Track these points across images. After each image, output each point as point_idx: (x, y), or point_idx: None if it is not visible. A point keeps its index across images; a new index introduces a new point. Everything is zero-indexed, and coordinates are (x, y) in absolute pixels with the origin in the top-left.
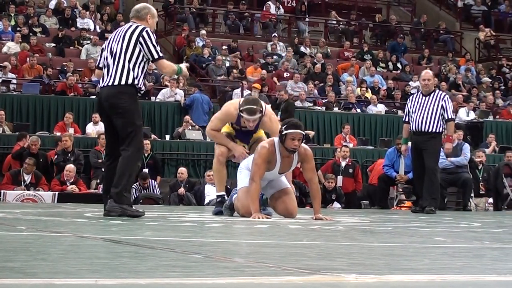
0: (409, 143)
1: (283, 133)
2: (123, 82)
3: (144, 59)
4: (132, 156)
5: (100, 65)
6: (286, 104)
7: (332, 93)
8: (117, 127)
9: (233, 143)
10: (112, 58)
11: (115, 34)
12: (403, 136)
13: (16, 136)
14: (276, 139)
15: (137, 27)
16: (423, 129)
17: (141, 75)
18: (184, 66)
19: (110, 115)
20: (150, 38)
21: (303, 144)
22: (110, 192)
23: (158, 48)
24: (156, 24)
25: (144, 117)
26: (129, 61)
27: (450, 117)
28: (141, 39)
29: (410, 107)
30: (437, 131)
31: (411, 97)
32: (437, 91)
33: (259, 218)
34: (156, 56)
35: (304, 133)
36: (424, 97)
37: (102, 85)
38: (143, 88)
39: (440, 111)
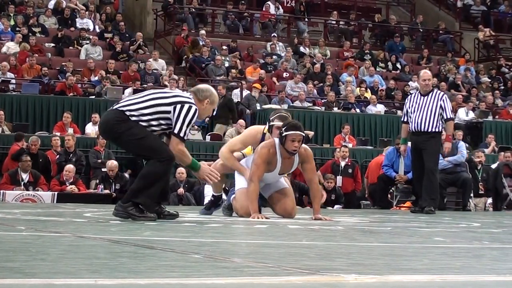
0: (409, 143)
1: (282, 134)
2: (130, 112)
3: (164, 122)
4: (160, 165)
5: None
6: (225, 100)
7: (332, 93)
8: (136, 152)
9: (244, 168)
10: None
11: (168, 90)
12: (401, 136)
13: (15, 136)
14: (276, 140)
15: (187, 99)
16: (422, 129)
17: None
18: (204, 164)
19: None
20: (187, 114)
21: (303, 145)
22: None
23: (186, 130)
24: (211, 109)
25: None
26: (160, 114)
27: (449, 116)
28: (179, 106)
29: (409, 107)
30: (437, 130)
31: (409, 97)
32: (435, 90)
33: (258, 218)
34: (176, 131)
35: (304, 134)
36: (422, 97)
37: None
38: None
39: (439, 110)
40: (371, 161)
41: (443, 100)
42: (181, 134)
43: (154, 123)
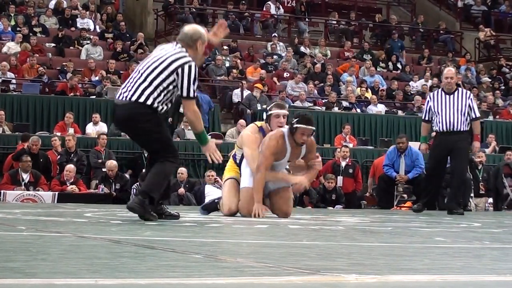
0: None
1: (294, 125)
2: (147, 101)
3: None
4: (171, 165)
5: None
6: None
7: (334, 94)
8: (149, 146)
9: (285, 174)
10: (137, 74)
11: (157, 54)
12: (422, 135)
13: (16, 136)
14: (285, 130)
15: (181, 58)
16: (454, 129)
17: (163, 99)
18: (212, 142)
19: (128, 131)
20: (189, 74)
21: None
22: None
23: (194, 88)
24: (203, 48)
25: None
26: (167, 85)
27: (477, 115)
28: (179, 70)
29: (434, 106)
30: (466, 130)
31: (431, 95)
32: (460, 89)
33: (259, 210)
34: (185, 94)
35: (314, 129)
36: (447, 96)
37: (117, 100)
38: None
39: (467, 109)
40: (374, 161)
41: (471, 99)
42: (191, 95)
43: (169, 99)
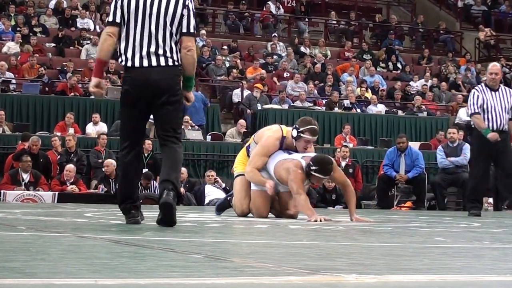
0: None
1: (311, 172)
2: (176, 62)
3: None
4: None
5: (117, 20)
6: None
7: (336, 93)
8: (167, 119)
9: (265, 180)
10: (155, 26)
11: None
12: (483, 127)
13: (16, 136)
14: (304, 163)
15: None
16: (502, 128)
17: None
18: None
19: (156, 102)
20: (193, 9)
21: None
22: (167, 186)
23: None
24: None
25: None
26: (176, 35)
27: None
28: (186, 10)
29: (483, 102)
30: (508, 129)
31: (479, 90)
32: (502, 86)
33: (318, 220)
34: (192, 30)
35: (329, 177)
36: (492, 92)
37: (141, 63)
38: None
39: (509, 108)
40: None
41: None
42: (192, 30)
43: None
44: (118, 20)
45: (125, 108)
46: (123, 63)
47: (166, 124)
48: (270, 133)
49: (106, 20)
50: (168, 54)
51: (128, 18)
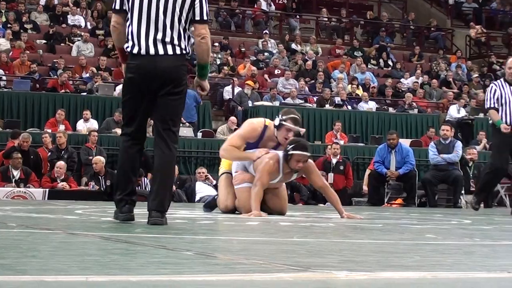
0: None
1: (289, 152)
2: (184, 51)
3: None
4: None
5: (120, 7)
6: None
7: (328, 90)
8: (168, 109)
9: (250, 153)
10: (163, 11)
11: None
12: (496, 119)
13: (7, 133)
14: (280, 154)
15: None
16: None
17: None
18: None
19: (161, 92)
20: None
21: None
22: (154, 204)
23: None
24: None
25: None
26: (185, 22)
27: None
28: None
29: (500, 97)
30: None
31: (496, 84)
32: None
33: (254, 216)
34: (205, 17)
35: (309, 154)
36: (511, 87)
37: (148, 50)
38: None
39: None
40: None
41: None
42: (205, 17)
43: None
44: (120, 7)
45: (128, 96)
46: (129, 49)
47: (166, 115)
48: (253, 120)
49: (113, 7)
50: (176, 42)
51: (132, 3)
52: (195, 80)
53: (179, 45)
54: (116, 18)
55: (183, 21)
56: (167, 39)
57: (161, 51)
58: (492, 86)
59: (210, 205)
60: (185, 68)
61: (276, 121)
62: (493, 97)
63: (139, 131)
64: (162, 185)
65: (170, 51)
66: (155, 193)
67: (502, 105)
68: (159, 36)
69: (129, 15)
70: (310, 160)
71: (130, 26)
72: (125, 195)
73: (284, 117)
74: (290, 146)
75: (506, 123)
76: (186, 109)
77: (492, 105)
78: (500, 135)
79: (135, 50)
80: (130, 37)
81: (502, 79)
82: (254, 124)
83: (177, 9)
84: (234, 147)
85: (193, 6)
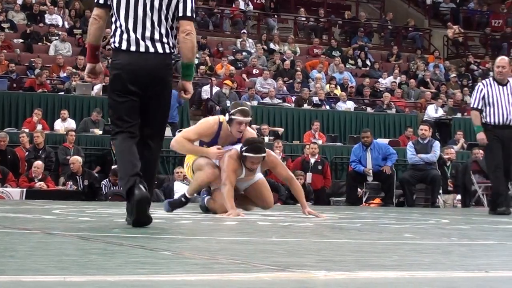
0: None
1: (243, 153)
2: (172, 49)
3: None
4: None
5: (104, 2)
6: None
7: (307, 90)
8: (156, 113)
9: (204, 148)
10: (150, 7)
11: None
12: (476, 124)
13: None
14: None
15: None
16: (509, 122)
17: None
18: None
19: (148, 92)
20: None
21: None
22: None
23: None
24: None
25: None
26: (171, 20)
27: None
28: None
29: (487, 96)
30: None
31: (483, 84)
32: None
33: (234, 215)
34: (190, 14)
35: (264, 155)
36: (500, 86)
37: (137, 48)
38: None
39: None
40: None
41: None
42: (189, 13)
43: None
44: (105, 1)
45: (115, 93)
46: (116, 45)
47: (154, 119)
48: (208, 118)
49: (95, 1)
50: (164, 40)
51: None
52: (179, 82)
53: (168, 42)
54: (98, 12)
55: (169, 18)
56: (156, 36)
57: (151, 49)
58: (479, 85)
59: (174, 204)
60: (171, 67)
61: (226, 116)
62: (478, 98)
63: (130, 127)
64: (153, 165)
65: (159, 49)
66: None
67: (488, 104)
68: (148, 33)
69: (114, 11)
70: (272, 154)
71: (117, 22)
72: (131, 176)
73: (232, 111)
74: (244, 148)
75: (492, 122)
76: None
77: (475, 106)
78: (489, 134)
79: (124, 46)
80: (118, 33)
81: (491, 78)
82: (209, 121)
83: (164, 7)
84: (187, 140)
85: (178, 3)
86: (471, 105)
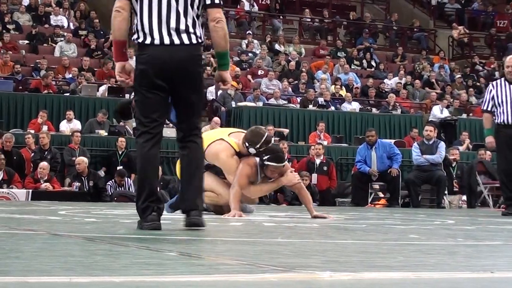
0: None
1: (265, 162)
2: (200, 39)
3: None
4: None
5: None
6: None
7: (312, 91)
8: (189, 107)
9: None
10: None
11: None
12: (486, 127)
13: None
14: (258, 160)
15: None
16: None
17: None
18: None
19: (178, 87)
20: None
21: None
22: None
23: None
24: None
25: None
26: (197, 8)
27: None
28: None
29: (496, 97)
30: None
31: (494, 84)
32: None
33: (236, 216)
34: (218, 1)
35: (284, 164)
36: (511, 86)
37: (162, 40)
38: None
39: None
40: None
41: None
42: (218, 1)
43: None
44: None
45: (142, 90)
46: (140, 40)
47: (191, 117)
48: (224, 155)
49: None
50: (191, 30)
51: None
52: (216, 73)
53: (195, 33)
54: (120, 3)
55: (195, 6)
56: (182, 27)
57: (176, 41)
58: (489, 86)
59: (175, 206)
60: (201, 58)
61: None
62: (488, 99)
63: (155, 128)
64: (199, 186)
65: (186, 40)
66: (187, 193)
67: (499, 105)
68: (173, 24)
69: (137, 6)
70: (286, 164)
71: (139, 16)
72: (150, 202)
73: (267, 157)
74: (266, 157)
75: (503, 122)
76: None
77: (485, 108)
78: (498, 135)
79: (148, 41)
80: (140, 27)
81: (502, 78)
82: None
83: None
84: (248, 185)
85: None
86: (482, 107)
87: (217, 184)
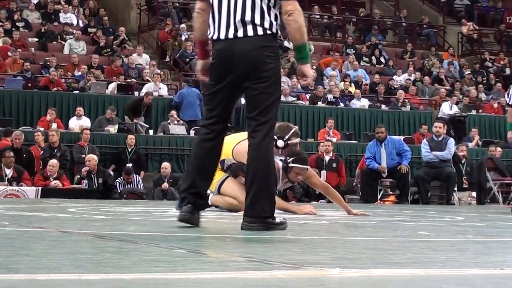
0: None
1: (289, 164)
2: (268, 31)
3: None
4: (271, 144)
5: None
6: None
7: (321, 88)
8: (255, 100)
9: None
10: None
11: None
12: (508, 121)
13: (2, 132)
14: (280, 164)
15: None
16: None
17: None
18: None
19: (246, 81)
20: None
21: None
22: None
23: None
24: None
25: None
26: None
27: None
28: None
29: None
30: None
31: None
32: None
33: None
34: None
35: (308, 168)
36: None
37: (227, 34)
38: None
39: None
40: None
41: None
42: None
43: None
44: None
45: (212, 83)
46: (210, 35)
47: (254, 109)
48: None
49: None
50: (258, 22)
51: None
52: (297, 67)
53: (262, 25)
54: (200, 5)
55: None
56: (247, 18)
57: (240, 33)
58: None
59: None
60: (270, 50)
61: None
62: (511, 93)
63: (218, 123)
64: (254, 187)
65: (250, 32)
66: (248, 196)
67: None
68: (238, 16)
69: (211, 1)
70: (308, 167)
71: (211, 12)
72: (188, 194)
73: (291, 159)
74: (291, 159)
75: None
76: (190, 106)
77: (509, 102)
78: None
79: (215, 36)
80: (211, 23)
81: None
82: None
83: None
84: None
85: None
86: (506, 102)
87: (242, 193)
